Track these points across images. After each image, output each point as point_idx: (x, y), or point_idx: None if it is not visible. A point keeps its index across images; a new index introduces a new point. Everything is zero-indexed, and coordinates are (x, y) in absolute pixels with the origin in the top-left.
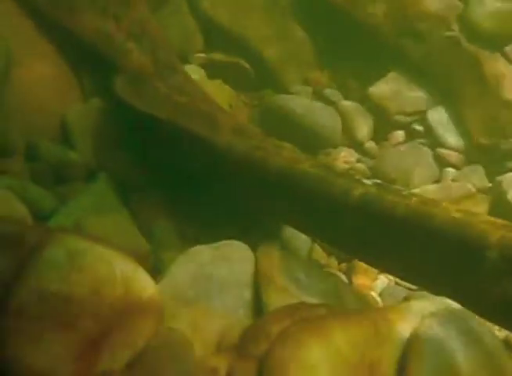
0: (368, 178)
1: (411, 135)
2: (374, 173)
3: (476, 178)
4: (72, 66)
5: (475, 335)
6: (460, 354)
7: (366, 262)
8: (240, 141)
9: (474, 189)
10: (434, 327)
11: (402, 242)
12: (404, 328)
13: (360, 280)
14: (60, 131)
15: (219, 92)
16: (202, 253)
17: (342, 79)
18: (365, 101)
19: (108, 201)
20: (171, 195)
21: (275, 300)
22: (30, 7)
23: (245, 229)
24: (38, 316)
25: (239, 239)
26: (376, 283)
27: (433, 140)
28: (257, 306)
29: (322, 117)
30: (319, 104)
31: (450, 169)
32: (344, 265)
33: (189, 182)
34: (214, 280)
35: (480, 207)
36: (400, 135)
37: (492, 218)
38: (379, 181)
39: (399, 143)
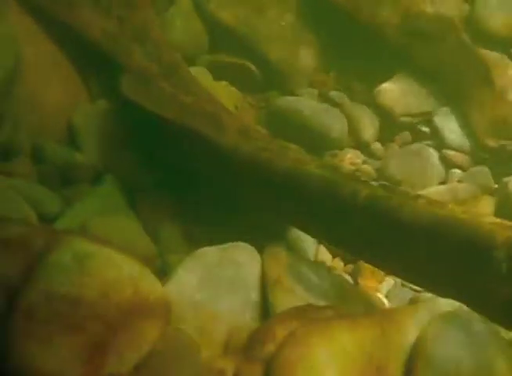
0: (374, 179)
1: (417, 136)
2: (380, 174)
3: (482, 179)
4: (79, 68)
5: (482, 337)
6: (467, 356)
7: (373, 264)
8: (246, 142)
9: (480, 191)
10: (441, 329)
11: (409, 243)
12: (411, 330)
13: (366, 282)
14: (67, 133)
15: (225, 94)
16: (208, 255)
17: (348, 81)
18: (371, 102)
19: (114, 203)
20: (177, 197)
21: (282, 302)
22: (31, 4)
23: (251, 231)
24: (47, 318)
25: (245, 240)
26: (383, 284)
27: (439, 141)
28: (264, 308)
29: (328, 118)
30: (325, 106)
31: (456, 170)
32: (349, 266)
33: (195, 184)
34: (220, 282)
35: (486, 209)
36: (406, 136)
37: (499, 220)
38: (385, 182)
39: (405, 145)
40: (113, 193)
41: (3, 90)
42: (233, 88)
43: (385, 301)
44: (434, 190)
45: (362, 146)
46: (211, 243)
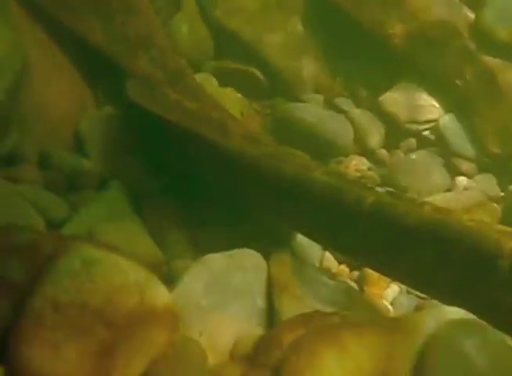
0: (379, 186)
1: (422, 143)
2: (385, 181)
3: (488, 187)
4: (85, 74)
5: (489, 345)
6: (475, 364)
7: (378, 271)
8: (252, 148)
9: (485, 198)
10: (447, 337)
11: (414, 251)
12: (417, 338)
13: (372, 289)
14: (73, 139)
15: (231, 100)
16: (215, 261)
17: (353, 87)
18: (377, 109)
19: (120, 209)
20: (183, 202)
21: (288, 308)
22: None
23: (257, 237)
24: (54, 324)
25: (251, 247)
26: (388, 291)
27: (444, 148)
28: (271, 315)
29: (334, 125)
30: (330, 112)
31: (462, 178)
32: (355, 273)
33: (201, 190)
34: (227, 289)
35: (492, 217)
36: (411, 143)
37: (505, 227)
38: (390, 189)
39: (411, 151)
40: (119, 199)
41: (11, 95)
42: (239, 95)
43: (390, 308)
44: (440, 197)
45: (368, 153)
46: (217, 249)
